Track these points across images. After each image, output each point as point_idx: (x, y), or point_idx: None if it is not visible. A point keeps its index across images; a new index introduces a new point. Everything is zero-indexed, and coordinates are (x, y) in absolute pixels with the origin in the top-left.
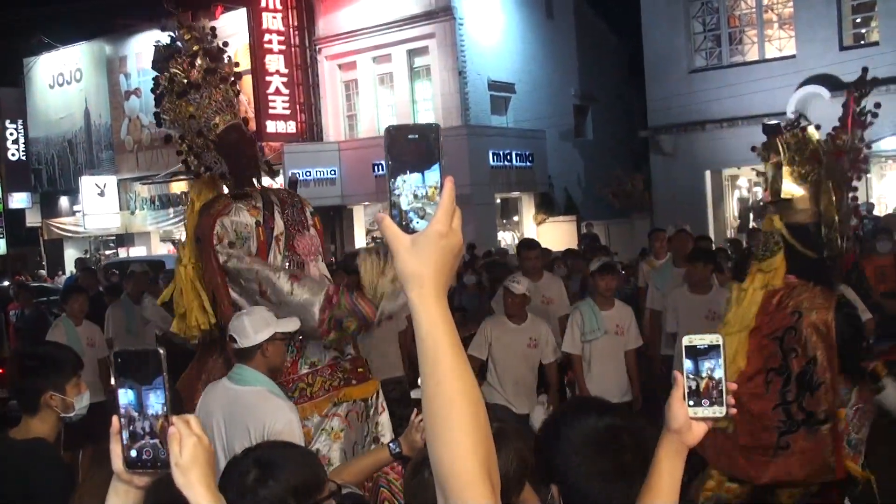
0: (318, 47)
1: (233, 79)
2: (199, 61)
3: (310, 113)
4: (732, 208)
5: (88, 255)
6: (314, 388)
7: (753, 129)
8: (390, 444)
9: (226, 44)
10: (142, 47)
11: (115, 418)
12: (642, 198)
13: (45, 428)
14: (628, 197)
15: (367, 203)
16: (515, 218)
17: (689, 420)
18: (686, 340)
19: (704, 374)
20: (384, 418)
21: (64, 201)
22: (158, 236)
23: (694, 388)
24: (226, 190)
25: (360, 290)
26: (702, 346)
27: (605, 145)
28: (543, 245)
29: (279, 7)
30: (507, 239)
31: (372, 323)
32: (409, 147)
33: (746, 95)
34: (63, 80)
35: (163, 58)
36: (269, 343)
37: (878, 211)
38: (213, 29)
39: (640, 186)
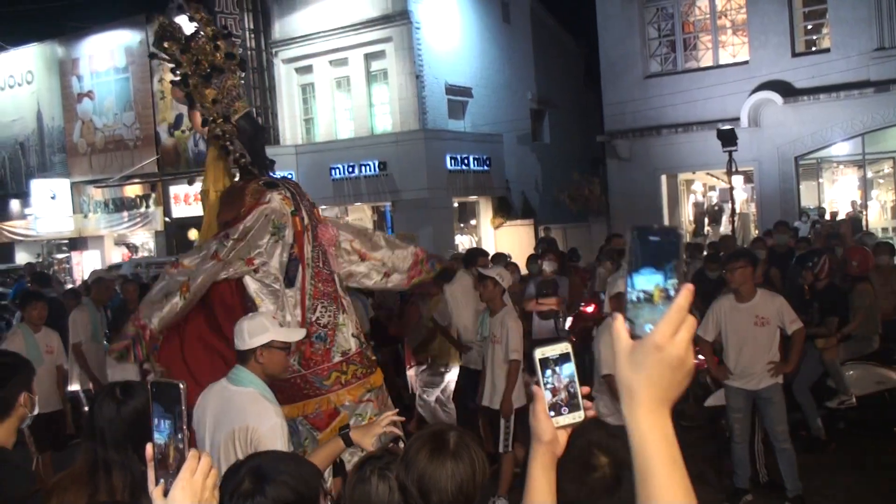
0: (274, 50)
1: (242, 65)
2: (220, 44)
3: (266, 116)
4: (688, 212)
5: (41, 260)
6: (347, 375)
7: (708, 134)
8: (341, 434)
9: (227, 29)
10: (94, 49)
11: (149, 445)
12: (599, 202)
13: (3, 433)
14: (585, 201)
15: (323, 206)
16: (473, 222)
17: (556, 431)
18: (539, 353)
19: (560, 384)
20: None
21: (15, 204)
22: (112, 240)
23: (552, 398)
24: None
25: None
26: (553, 357)
27: (562, 149)
28: (501, 249)
29: (235, 10)
30: (464, 242)
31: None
32: (649, 248)
33: (701, 101)
34: (14, 82)
35: (178, 38)
36: (265, 349)
37: (830, 215)
38: (214, 15)
39: (596, 190)
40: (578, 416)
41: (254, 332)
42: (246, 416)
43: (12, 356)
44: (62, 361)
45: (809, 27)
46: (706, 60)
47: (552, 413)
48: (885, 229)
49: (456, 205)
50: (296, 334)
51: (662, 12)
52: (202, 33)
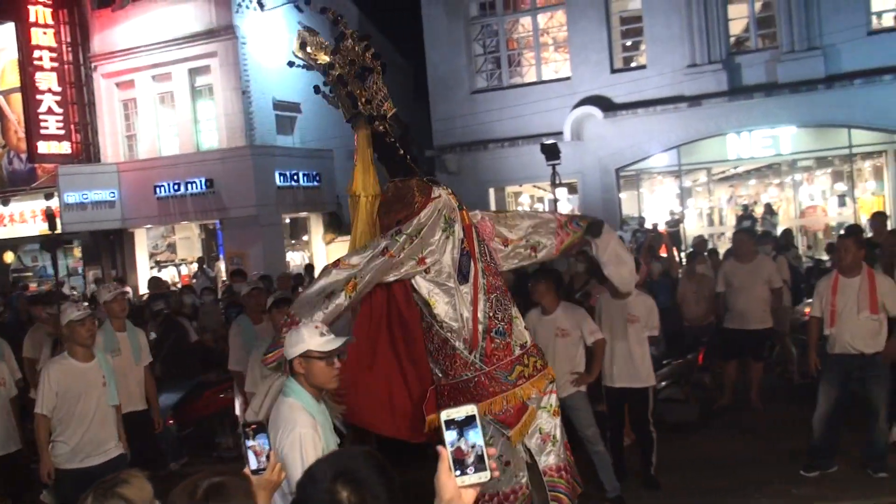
0: (93, 65)
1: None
2: (368, 44)
3: (86, 133)
4: None
5: None
6: (529, 368)
7: (533, 148)
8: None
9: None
10: None
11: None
12: None
13: None
14: None
15: (149, 226)
16: (305, 238)
17: (458, 489)
18: (444, 415)
19: (466, 444)
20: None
21: None
22: None
23: (458, 458)
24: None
25: None
26: (459, 418)
27: None
28: None
29: (50, 22)
30: (296, 259)
31: None
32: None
33: (526, 116)
34: None
35: (323, 42)
36: (301, 359)
37: (649, 224)
38: (28, 28)
39: None
40: (484, 476)
41: (291, 342)
42: (279, 424)
43: None
44: (14, 394)
45: (628, 44)
46: (530, 76)
47: (457, 472)
48: (699, 236)
49: (287, 221)
50: (334, 343)
51: (487, 29)
52: (348, 35)
